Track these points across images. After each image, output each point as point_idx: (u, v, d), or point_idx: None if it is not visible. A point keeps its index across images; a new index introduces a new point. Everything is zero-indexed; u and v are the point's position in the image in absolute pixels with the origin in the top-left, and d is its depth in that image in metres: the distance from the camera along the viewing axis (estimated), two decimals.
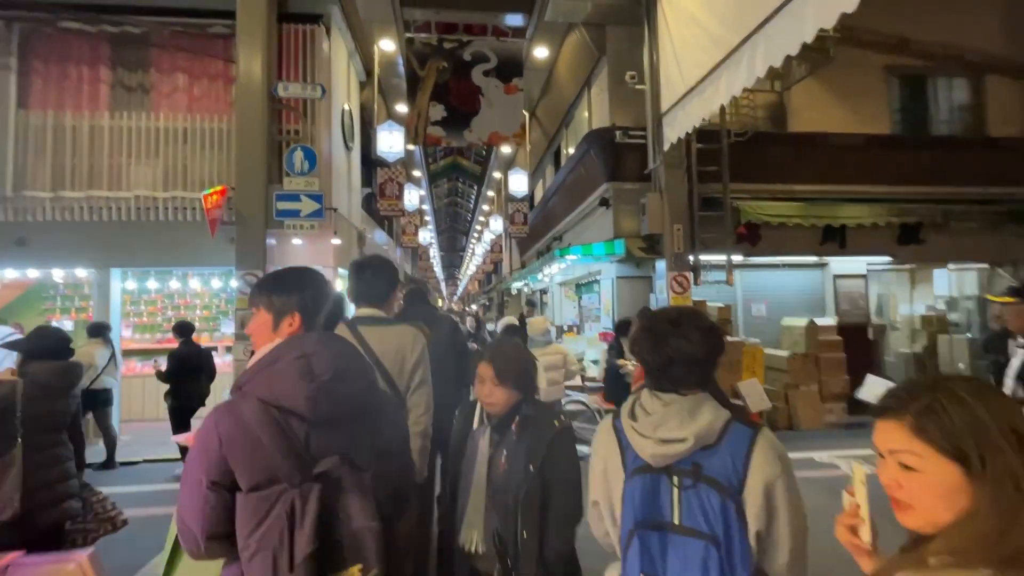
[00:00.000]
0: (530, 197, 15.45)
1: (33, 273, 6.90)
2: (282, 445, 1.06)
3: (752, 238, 7.42)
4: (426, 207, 22.37)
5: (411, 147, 15.93)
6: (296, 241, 6.86)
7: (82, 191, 6.44)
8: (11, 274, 6.91)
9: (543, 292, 15.50)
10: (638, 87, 6.94)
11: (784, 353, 7.41)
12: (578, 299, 12.95)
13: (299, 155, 6.17)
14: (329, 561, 0.95)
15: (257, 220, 6.08)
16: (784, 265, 8.15)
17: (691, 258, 6.88)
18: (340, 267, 8.00)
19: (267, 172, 6.22)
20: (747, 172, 7.32)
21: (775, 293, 8.36)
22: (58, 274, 7.41)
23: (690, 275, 6.78)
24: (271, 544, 1.00)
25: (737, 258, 7.35)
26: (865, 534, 0.88)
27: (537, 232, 14.08)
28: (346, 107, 8.25)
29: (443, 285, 44.54)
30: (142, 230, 6.64)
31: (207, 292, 8.61)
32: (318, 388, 1.09)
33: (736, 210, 7.14)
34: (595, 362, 8.23)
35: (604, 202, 7.89)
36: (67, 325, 8.24)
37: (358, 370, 1.22)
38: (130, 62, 6.62)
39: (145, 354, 8.80)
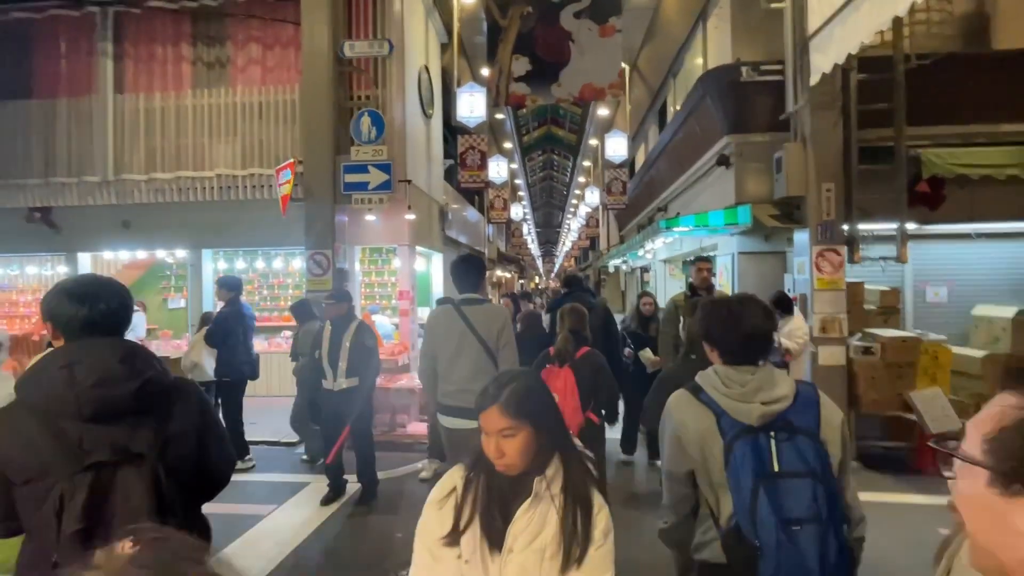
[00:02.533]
0: (630, 165, 13.93)
1: (141, 254, 7.22)
2: (50, 443, 1.23)
3: (934, 199, 5.54)
4: (519, 181, 21.60)
5: (499, 116, 15.12)
6: (369, 218, 6.38)
7: (171, 172, 6.48)
8: (124, 255, 7.29)
9: (644, 270, 14.05)
10: (774, 5, 5.35)
11: (977, 353, 5.51)
12: (686, 278, 11.40)
13: (366, 121, 5.58)
14: (101, 538, 0.78)
15: (325, 195, 5.64)
16: (978, 235, 6.09)
17: (845, 228, 5.26)
18: (419, 245, 7.47)
19: (334, 142, 5.73)
20: (929, 111, 5.41)
21: (961, 272, 6.33)
22: (164, 254, 7.72)
23: (843, 250, 5.19)
24: (45, 525, 1.19)
25: (909, 227, 5.53)
26: None
27: (638, 203, 12.62)
28: (424, 72, 7.57)
29: (539, 262, 43.95)
30: (225, 209, 6.57)
31: (298, 272, 8.65)
32: (80, 394, 1.24)
33: (915, 162, 5.32)
34: None
35: (723, 160, 6.42)
36: (180, 303, 8.74)
37: (126, 373, 1.29)
38: (208, 37, 6.47)
39: None
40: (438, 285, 8.75)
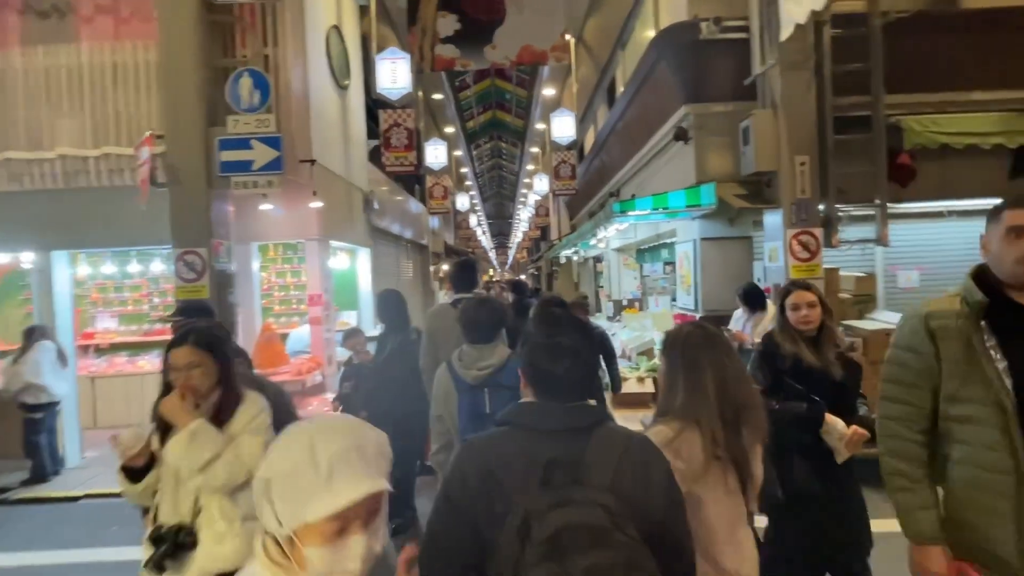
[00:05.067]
0: (579, 149, 13.15)
1: None
2: None
3: (905, 174, 4.99)
4: (466, 170, 20.51)
5: (437, 96, 13.97)
6: (265, 207, 5.20)
7: None
8: None
9: (597, 260, 13.38)
10: None
11: None
12: (640, 268, 10.79)
13: (246, 83, 4.40)
14: None
15: (195, 179, 4.43)
16: (950, 213, 5.63)
17: (821, 207, 4.61)
18: (335, 239, 6.33)
19: (207, 112, 4.51)
20: (901, 77, 4.82)
21: (933, 254, 5.88)
22: (5, 259, 6.20)
23: (820, 232, 4.54)
24: None
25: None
26: None
27: (589, 189, 11.87)
28: (335, 34, 6.38)
29: (493, 254, 43.03)
30: (79, 200, 5.21)
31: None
32: None
33: (896, 131, 4.72)
34: None
35: (681, 135, 5.66)
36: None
37: None
38: None
39: (135, 348, 7.71)
40: (367, 285, 7.63)
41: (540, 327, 1.16)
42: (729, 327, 4.26)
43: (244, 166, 4.37)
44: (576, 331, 1.14)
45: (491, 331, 2.29)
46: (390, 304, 3.70)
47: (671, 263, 9.64)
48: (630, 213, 5.10)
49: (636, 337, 6.53)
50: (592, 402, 1.18)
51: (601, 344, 3.88)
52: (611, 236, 8.17)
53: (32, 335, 4.93)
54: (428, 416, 2.43)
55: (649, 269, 10.65)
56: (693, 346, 1.44)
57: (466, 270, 3.51)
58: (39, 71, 5.06)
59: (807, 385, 2.10)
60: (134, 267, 6.27)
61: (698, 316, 5.69)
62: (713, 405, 1.37)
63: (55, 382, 4.94)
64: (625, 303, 10.42)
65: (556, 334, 1.12)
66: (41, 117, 5.06)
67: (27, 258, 5.65)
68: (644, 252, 9.76)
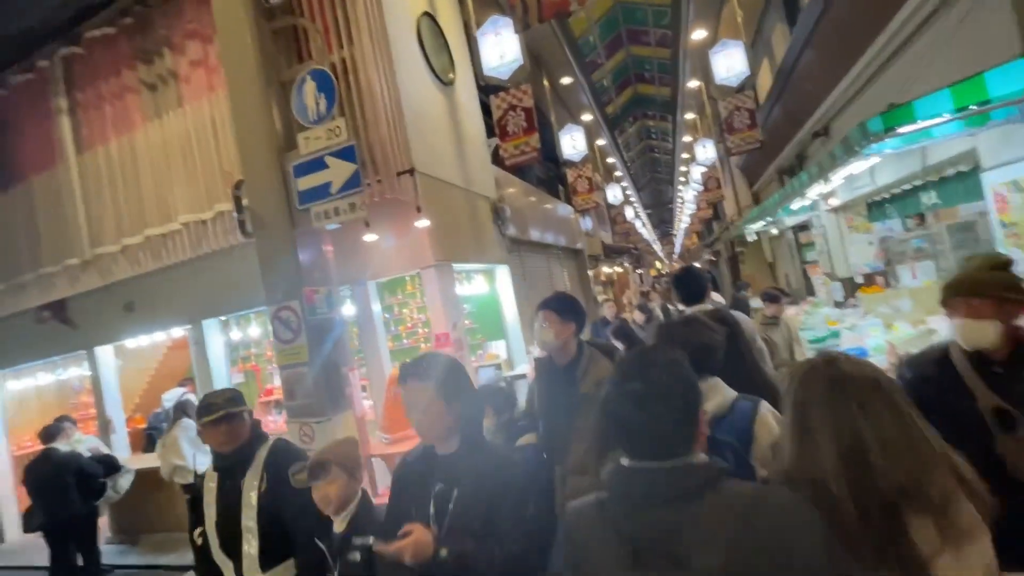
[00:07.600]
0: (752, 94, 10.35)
1: (144, 340, 6.02)
2: None
3: None
4: (612, 160, 18.62)
5: (565, 80, 12.49)
6: (369, 238, 4.31)
7: (139, 234, 5.11)
8: (131, 343, 6.14)
9: (798, 229, 10.34)
10: None
11: None
12: (872, 229, 7.76)
13: (310, 88, 3.52)
14: None
15: (277, 219, 3.67)
16: None
17: None
18: (458, 262, 5.25)
19: (277, 138, 3.75)
20: None
21: None
22: (163, 337, 6.42)
23: None
24: None
25: None
26: None
27: (772, 145, 9.09)
28: (427, 21, 5.39)
29: (658, 247, 39.76)
30: (210, 266, 5.03)
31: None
32: None
33: None
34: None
35: None
36: (237, 378, 7.58)
37: None
38: (146, 51, 5.00)
39: None
40: (511, 309, 6.45)
41: (617, 368, 0.96)
42: None
43: (323, 192, 3.47)
44: (662, 371, 0.89)
45: (698, 362, 1.44)
46: None
47: (919, 215, 6.58)
48: (901, 130, 2.87)
49: (909, 338, 4.07)
50: (703, 457, 0.88)
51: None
52: (831, 190, 5.63)
53: (175, 413, 4.80)
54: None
55: (884, 229, 7.58)
56: (806, 388, 1.00)
57: (688, 279, 3.02)
58: (158, 143, 5.01)
59: None
60: (268, 329, 6.07)
61: None
62: (830, 479, 0.92)
63: (201, 459, 4.73)
64: (861, 280, 7.49)
65: (631, 377, 0.90)
66: (165, 188, 4.99)
67: (168, 335, 5.73)
68: (884, 204, 6.82)
